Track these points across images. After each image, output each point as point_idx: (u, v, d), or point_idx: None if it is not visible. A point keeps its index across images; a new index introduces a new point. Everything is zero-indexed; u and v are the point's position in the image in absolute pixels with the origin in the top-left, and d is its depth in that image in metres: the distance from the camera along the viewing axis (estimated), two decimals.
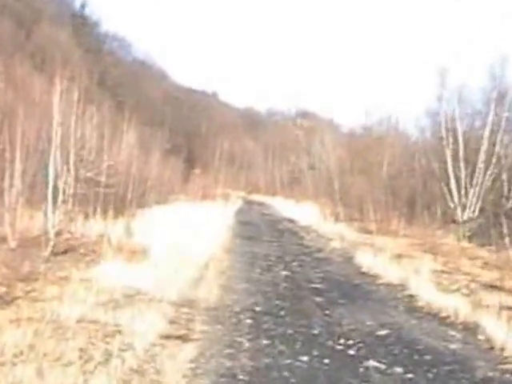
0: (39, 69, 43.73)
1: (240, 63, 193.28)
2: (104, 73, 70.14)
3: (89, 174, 28.40)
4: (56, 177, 19.32)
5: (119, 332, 8.27)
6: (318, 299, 12.21)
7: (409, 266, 17.05)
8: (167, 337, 8.36)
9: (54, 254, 16.59)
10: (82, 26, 76.15)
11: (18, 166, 20.00)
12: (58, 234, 20.25)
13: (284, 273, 16.04)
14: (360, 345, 8.60)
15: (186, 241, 20.16)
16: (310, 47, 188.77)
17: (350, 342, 8.72)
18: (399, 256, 19.56)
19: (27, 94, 28.30)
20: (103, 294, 11.02)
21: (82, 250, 18.11)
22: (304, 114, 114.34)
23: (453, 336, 9.31)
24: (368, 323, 9.96)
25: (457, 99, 31.89)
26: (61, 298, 10.13)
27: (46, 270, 13.74)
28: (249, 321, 9.80)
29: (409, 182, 36.83)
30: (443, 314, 10.67)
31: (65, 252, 17.59)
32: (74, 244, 19.20)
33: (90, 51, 71.02)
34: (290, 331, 9.20)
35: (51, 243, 17.02)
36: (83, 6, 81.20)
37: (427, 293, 12.66)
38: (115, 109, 63.65)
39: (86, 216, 24.94)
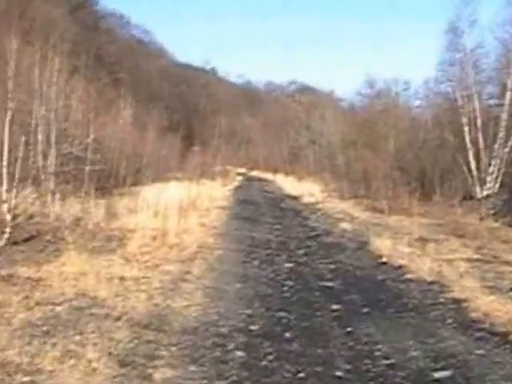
0: (31, 44, 41.32)
1: (237, 37, 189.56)
2: (101, 50, 68.54)
3: (72, 150, 26.00)
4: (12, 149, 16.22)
5: None
6: (335, 307, 9.12)
7: (437, 254, 14.19)
8: None
9: (13, 242, 13.78)
10: (79, 5, 73.31)
11: None
12: (29, 217, 17.64)
13: (288, 265, 13.06)
14: None
15: (174, 224, 17.47)
16: (307, 19, 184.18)
17: None
18: (421, 240, 16.61)
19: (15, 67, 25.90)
20: (44, 305, 8.10)
21: (48, 238, 15.18)
22: (303, 89, 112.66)
23: None
24: (413, 353, 6.77)
25: (471, 63, 28.72)
26: None
27: None
28: (240, 353, 6.65)
29: (418, 155, 33.97)
30: None
31: (28, 240, 14.72)
32: (42, 229, 16.27)
33: (86, 28, 68.56)
34: (302, 374, 6.13)
35: (7, 230, 14.08)
36: None
37: (475, 295, 9.65)
38: (111, 85, 61.94)
39: (68, 196, 22.49)
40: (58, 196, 20.79)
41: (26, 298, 8.47)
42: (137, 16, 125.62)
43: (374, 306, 9.34)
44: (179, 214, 19.83)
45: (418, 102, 42.05)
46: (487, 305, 8.88)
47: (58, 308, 8.02)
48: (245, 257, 13.99)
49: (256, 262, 13.24)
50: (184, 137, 72.36)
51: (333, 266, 13.07)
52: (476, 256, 14.56)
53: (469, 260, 13.68)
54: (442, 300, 9.71)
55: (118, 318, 7.64)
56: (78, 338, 6.62)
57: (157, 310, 8.32)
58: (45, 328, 7.04)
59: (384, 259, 13.92)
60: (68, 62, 27.12)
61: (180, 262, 12.30)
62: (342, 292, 10.42)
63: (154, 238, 15.13)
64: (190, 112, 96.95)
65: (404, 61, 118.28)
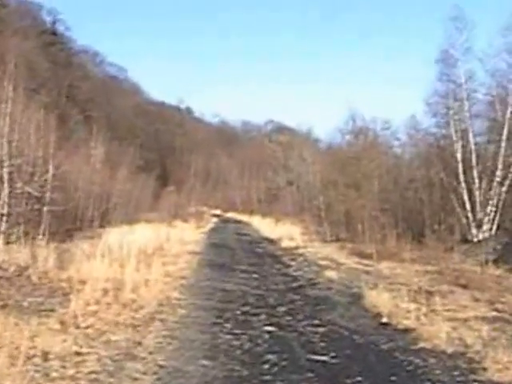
0: None
1: (214, 77, 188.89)
2: (73, 86, 67.12)
3: (29, 188, 24.02)
4: None
5: None
6: None
7: (446, 311, 11.81)
8: None
9: None
10: (52, 40, 71.63)
11: None
12: None
13: (268, 329, 10.44)
14: None
15: (135, 274, 15.03)
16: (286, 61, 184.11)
17: None
18: (423, 292, 14.13)
19: None
20: None
21: None
22: (280, 128, 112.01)
23: None
24: None
25: (465, 95, 26.61)
26: None
27: None
28: None
29: (404, 195, 31.88)
30: None
31: None
32: None
33: (58, 64, 66.81)
34: None
35: None
36: (54, 22, 76.84)
37: None
38: (83, 122, 60.23)
39: (19, 240, 20.36)
40: (3, 240, 18.51)
41: None
42: (112, 54, 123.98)
43: None
44: (143, 261, 17.39)
45: (397, 142, 40.02)
46: None
47: None
48: (215, 317, 11.36)
49: (229, 325, 10.62)
50: (158, 176, 70.87)
51: (323, 330, 10.52)
52: (492, 314, 12.14)
53: (487, 320, 11.26)
54: None
55: None
56: None
57: None
58: None
59: (385, 319, 11.42)
60: (33, 95, 25.31)
61: (131, 328, 9.70)
62: (341, 371, 7.84)
63: (106, 292, 12.56)
64: (164, 151, 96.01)
65: (381, 102, 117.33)
